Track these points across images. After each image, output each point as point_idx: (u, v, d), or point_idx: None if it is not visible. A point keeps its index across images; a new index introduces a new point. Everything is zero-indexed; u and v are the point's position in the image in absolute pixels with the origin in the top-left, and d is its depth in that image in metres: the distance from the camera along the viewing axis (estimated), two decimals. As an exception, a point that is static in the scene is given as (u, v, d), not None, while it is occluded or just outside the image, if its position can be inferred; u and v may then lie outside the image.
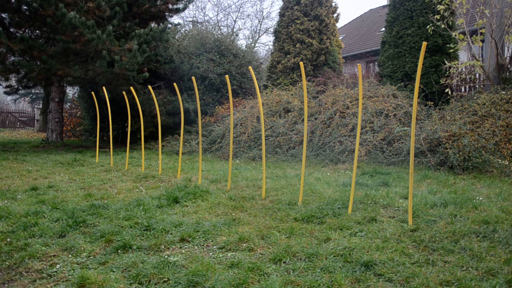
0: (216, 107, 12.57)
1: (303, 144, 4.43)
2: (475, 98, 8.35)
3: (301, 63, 4.09)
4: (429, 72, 9.61)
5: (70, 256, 2.87)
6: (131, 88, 7.79)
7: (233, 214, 3.92)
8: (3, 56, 10.41)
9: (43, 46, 9.93)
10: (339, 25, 26.10)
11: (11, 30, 11.08)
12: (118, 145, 12.58)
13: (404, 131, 7.42)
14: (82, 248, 2.98)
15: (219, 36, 14.54)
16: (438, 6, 8.89)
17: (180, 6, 13.10)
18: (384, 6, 23.47)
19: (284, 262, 2.71)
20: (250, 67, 4.75)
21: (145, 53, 10.73)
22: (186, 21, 27.38)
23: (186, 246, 3.07)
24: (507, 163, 6.33)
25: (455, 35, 8.96)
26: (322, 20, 12.07)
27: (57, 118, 12.56)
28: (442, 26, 9.05)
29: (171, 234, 3.31)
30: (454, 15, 9.74)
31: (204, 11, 46.31)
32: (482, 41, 9.04)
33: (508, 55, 9.06)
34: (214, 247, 3.05)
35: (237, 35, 25.48)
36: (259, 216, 3.86)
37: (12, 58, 11.07)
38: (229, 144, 6.86)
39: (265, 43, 42.53)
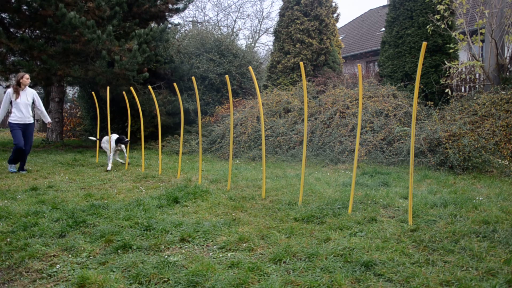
0: (216, 107, 12.58)
1: (303, 144, 4.43)
2: (475, 98, 8.35)
3: (301, 63, 4.09)
4: (429, 72, 9.61)
5: (70, 256, 2.87)
6: (131, 88, 7.80)
7: (233, 214, 3.92)
8: (3, 56, 10.40)
9: (43, 46, 9.93)
10: (339, 25, 26.10)
11: (11, 30, 11.07)
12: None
13: (404, 131, 7.42)
14: (82, 248, 2.98)
15: (219, 36, 14.54)
16: (438, 6, 8.89)
17: (180, 6, 13.09)
18: (384, 6, 23.47)
19: (284, 262, 2.71)
20: (250, 67, 4.75)
21: (145, 53, 10.74)
22: (186, 21, 27.38)
23: (186, 246, 3.07)
24: (507, 163, 6.33)
25: (455, 35, 8.95)
26: (322, 20, 12.08)
27: (57, 118, 12.56)
28: (442, 26, 9.05)
29: (171, 234, 3.31)
30: (454, 15, 9.74)
31: (204, 11, 46.27)
32: (482, 41, 9.04)
33: (508, 55, 9.06)
34: (214, 247, 3.05)
35: (237, 35, 25.49)
36: (259, 216, 3.86)
37: (12, 58, 11.06)
38: (229, 144, 6.86)
39: (265, 43, 42.50)
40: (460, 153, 6.34)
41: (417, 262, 2.68)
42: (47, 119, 7.14)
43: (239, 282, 2.38)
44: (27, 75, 6.68)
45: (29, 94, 6.72)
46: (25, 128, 6.62)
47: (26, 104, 6.62)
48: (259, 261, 2.71)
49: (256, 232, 3.33)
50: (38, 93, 7.22)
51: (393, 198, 4.49)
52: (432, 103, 8.85)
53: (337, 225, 3.47)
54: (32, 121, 6.72)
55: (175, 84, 6.54)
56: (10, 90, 6.59)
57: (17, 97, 6.54)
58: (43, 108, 7.04)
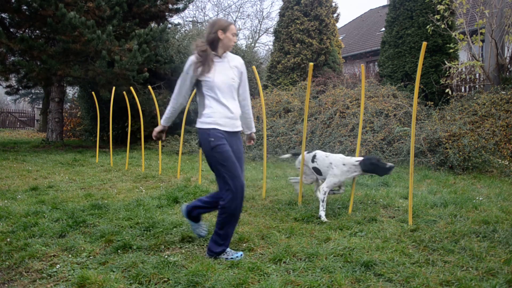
0: (216, 107, 12.57)
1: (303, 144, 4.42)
2: (475, 98, 8.34)
3: (310, 64, 3.98)
4: (429, 72, 9.61)
5: (70, 256, 2.86)
6: (131, 88, 7.79)
7: (233, 214, 3.92)
8: (3, 56, 10.40)
9: (43, 46, 9.93)
10: (339, 25, 26.05)
11: (11, 30, 11.08)
12: (118, 145, 12.58)
13: (404, 131, 7.42)
14: (82, 248, 2.98)
15: (219, 36, 14.51)
16: (438, 6, 8.89)
17: (180, 6, 13.10)
18: (384, 6, 23.46)
19: (284, 262, 2.71)
20: (254, 67, 4.75)
21: (145, 53, 10.73)
22: (186, 21, 27.39)
23: (186, 246, 3.06)
24: (507, 163, 6.33)
25: (455, 35, 8.95)
26: (322, 20, 12.08)
27: (57, 118, 12.56)
28: (442, 26, 9.04)
29: (171, 234, 3.31)
30: (454, 15, 9.74)
31: (204, 11, 46.32)
32: (482, 41, 9.04)
33: (508, 55, 9.06)
34: (214, 247, 3.05)
35: (237, 35, 25.46)
36: (259, 216, 3.86)
37: (12, 58, 11.07)
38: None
39: (265, 43, 42.54)
40: (460, 153, 6.33)
41: (417, 262, 2.68)
42: (251, 127, 3.31)
43: (239, 282, 2.37)
44: (233, 27, 2.93)
45: (234, 67, 2.95)
46: (231, 141, 2.95)
47: (230, 87, 2.91)
48: (259, 261, 2.71)
49: (256, 232, 3.33)
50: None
51: (393, 198, 4.49)
52: (432, 103, 8.85)
53: (337, 225, 3.47)
54: (241, 128, 3.10)
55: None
56: (193, 58, 2.85)
57: (206, 71, 2.82)
58: (249, 104, 3.18)
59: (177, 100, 2.94)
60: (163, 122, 3.03)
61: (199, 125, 2.88)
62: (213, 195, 3.07)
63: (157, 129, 3.06)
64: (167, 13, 12.90)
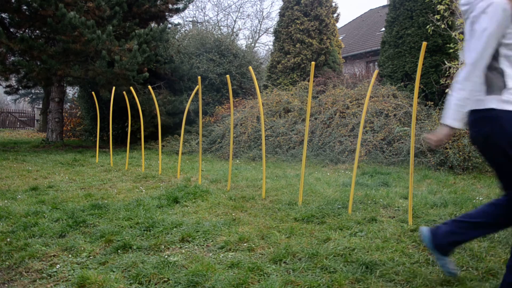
0: (216, 107, 12.58)
1: (303, 144, 4.42)
2: (475, 98, 8.34)
3: (312, 63, 4.02)
4: (429, 72, 9.60)
5: (70, 256, 2.86)
6: (131, 88, 7.79)
7: (233, 214, 3.92)
8: (3, 56, 10.40)
9: (43, 46, 9.93)
10: (339, 25, 26.06)
11: (11, 30, 11.08)
12: (118, 145, 12.59)
13: (404, 131, 7.42)
14: (82, 248, 2.98)
15: (219, 36, 14.54)
16: (438, 6, 8.89)
17: (180, 6, 13.11)
18: (384, 6, 23.47)
19: (284, 262, 2.71)
20: (250, 67, 4.75)
21: (145, 53, 10.74)
22: (186, 21, 27.40)
23: (186, 246, 3.06)
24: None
25: (455, 35, 8.95)
26: (322, 20, 12.08)
27: (57, 118, 12.56)
28: (442, 26, 9.04)
29: (171, 234, 3.31)
30: (454, 15, 9.73)
31: (204, 11, 46.39)
32: (482, 41, 9.02)
33: (508, 55, 9.05)
34: (214, 247, 3.05)
35: (237, 35, 25.51)
36: (259, 216, 3.86)
37: (12, 58, 11.07)
38: (229, 144, 6.86)
39: (265, 43, 42.59)
40: (460, 153, 6.33)
41: (417, 262, 2.68)
42: None
43: (239, 282, 2.37)
44: None
45: None
46: None
47: None
48: (259, 261, 2.71)
49: (256, 232, 3.33)
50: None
51: (393, 198, 4.49)
52: (432, 103, 8.84)
53: (337, 225, 3.47)
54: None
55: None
56: (505, 3, 1.75)
57: None
58: None
59: (479, 69, 1.84)
60: (454, 121, 1.95)
61: (499, 105, 1.84)
62: (488, 208, 2.18)
63: (444, 133, 2.01)
64: (167, 13, 12.92)
